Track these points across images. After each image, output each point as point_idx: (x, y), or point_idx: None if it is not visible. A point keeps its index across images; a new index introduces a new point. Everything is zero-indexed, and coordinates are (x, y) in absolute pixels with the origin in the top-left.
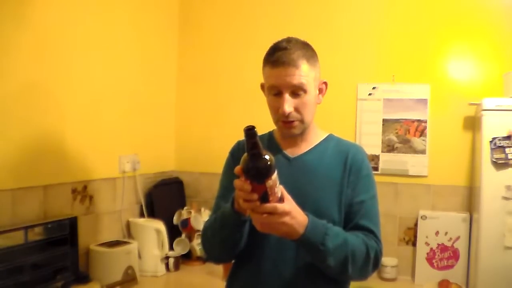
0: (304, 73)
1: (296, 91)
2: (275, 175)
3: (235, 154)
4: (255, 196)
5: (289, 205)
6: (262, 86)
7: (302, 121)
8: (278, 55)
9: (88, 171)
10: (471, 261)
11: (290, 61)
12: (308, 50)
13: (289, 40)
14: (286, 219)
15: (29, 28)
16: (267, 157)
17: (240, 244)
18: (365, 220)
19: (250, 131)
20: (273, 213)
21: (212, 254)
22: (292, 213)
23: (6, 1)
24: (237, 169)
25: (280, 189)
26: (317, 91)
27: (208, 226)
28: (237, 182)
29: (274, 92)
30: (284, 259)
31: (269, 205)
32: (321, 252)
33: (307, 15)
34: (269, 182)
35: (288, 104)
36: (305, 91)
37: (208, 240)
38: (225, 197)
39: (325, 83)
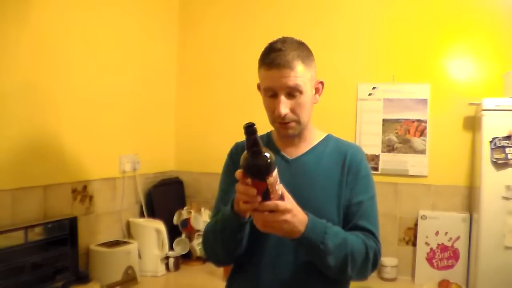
0: (299, 74)
1: (292, 92)
2: (275, 173)
3: (233, 157)
4: (258, 198)
5: (290, 203)
6: (259, 87)
7: (298, 122)
8: (273, 57)
9: (88, 171)
10: (471, 261)
11: (285, 63)
12: (303, 50)
13: (284, 40)
14: (288, 216)
15: (28, 28)
16: (267, 154)
17: (242, 246)
18: (363, 221)
19: (250, 128)
20: (274, 210)
21: (214, 257)
22: (294, 211)
23: (6, 1)
24: (238, 172)
25: (280, 187)
26: (314, 91)
27: (209, 229)
28: (240, 187)
29: (270, 93)
30: (283, 262)
31: (270, 203)
32: (321, 251)
33: (307, 15)
34: (270, 180)
35: (284, 106)
36: (301, 92)
37: (209, 243)
38: (225, 200)
39: (322, 82)
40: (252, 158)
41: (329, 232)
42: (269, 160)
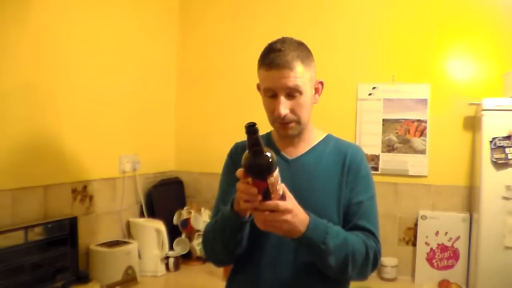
0: (299, 74)
1: (292, 92)
2: (276, 172)
3: (233, 157)
4: (259, 197)
5: (291, 203)
6: (258, 87)
7: (298, 122)
8: (273, 57)
9: (88, 171)
10: (471, 261)
11: (285, 63)
12: (302, 51)
13: (283, 40)
14: (288, 217)
15: (28, 28)
16: (268, 154)
17: (241, 246)
18: (363, 221)
19: (251, 127)
20: (275, 210)
21: (214, 257)
22: (294, 211)
23: (6, 1)
24: (239, 171)
25: (281, 187)
26: (313, 91)
27: (209, 229)
28: (241, 186)
29: (270, 94)
30: (283, 262)
31: (271, 202)
32: (322, 251)
33: (307, 15)
34: (271, 179)
35: (284, 106)
36: (300, 93)
37: (209, 243)
38: (225, 200)
39: (321, 82)
40: (253, 157)
41: (330, 232)
42: (270, 160)
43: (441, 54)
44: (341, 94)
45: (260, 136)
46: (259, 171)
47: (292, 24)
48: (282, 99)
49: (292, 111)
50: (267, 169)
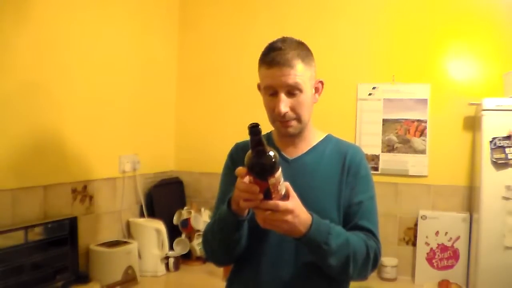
0: (299, 72)
1: (292, 90)
2: (278, 173)
3: (233, 157)
4: (260, 195)
5: (293, 203)
6: (259, 87)
7: (298, 120)
8: (273, 56)
9: (88, 171)
10: (471, 261)
11: (285, 61)
12: (303, 50)
13: (284, 40)
14: (289, 217)
15: (29, 28)
16: (271, 153)
17: (240, 245)
18: (364, 221)
19: (254, 128)
20: (275, 210)
21: (214, 257)
22: (295, 211)
23: (6, 1)
24: (238, 169)
25: (284, 187)
26: (313, 90)
27: (208, 229)
28: (241, 185)
29: (270, 92)
30: (283, 262)
31: (271, 202)
32: (323, 251)
33: (307, 15)
34: (272, 180)
35: (284, 104)
36: (300, 91)
37: (208, 243)
38: (225, 201)
39: (321, 82)
40: (256, 157)
41: (332, 233)
42: (273, 160)
43: (441, 54)
44: (341, 94)
45: (263, 136)
46: (262, 170)
47: (292, 24)
48: (283, 96)
49: (292, 109)
50: (270, 169)
